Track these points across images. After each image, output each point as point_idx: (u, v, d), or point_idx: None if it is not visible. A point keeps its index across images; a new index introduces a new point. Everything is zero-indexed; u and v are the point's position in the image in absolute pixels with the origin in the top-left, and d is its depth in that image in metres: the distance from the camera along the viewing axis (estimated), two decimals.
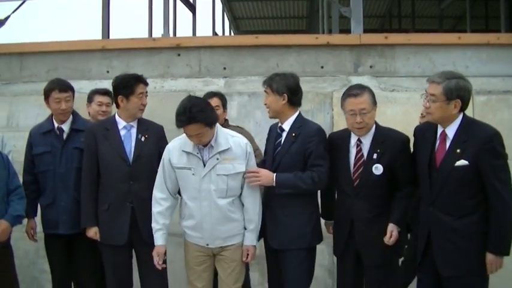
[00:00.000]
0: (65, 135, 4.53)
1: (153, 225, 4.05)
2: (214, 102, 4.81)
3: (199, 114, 3.76)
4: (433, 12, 15.80)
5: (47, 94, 4.53)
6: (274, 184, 3.97)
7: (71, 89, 4.57)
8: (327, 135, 4.23)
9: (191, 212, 4.01)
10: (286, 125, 4.13)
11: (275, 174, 3.99)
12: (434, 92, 3.71)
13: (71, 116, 4.59)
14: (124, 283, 4.34)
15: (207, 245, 4.04)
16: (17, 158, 4.88)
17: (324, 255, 5.43)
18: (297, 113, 4.17)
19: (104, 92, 5.27)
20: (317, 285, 4.04)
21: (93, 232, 4.27)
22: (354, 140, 4.04)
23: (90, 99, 5.29)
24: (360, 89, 3.99)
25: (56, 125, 4.55)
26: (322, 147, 4.03)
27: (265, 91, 4.20)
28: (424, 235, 3.78)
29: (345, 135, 4.11)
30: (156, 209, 4.06)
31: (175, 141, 4.10)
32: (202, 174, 3.93)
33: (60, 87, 4.51)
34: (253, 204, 4.05)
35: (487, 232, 3.59)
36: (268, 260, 4.30)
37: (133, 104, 4.28)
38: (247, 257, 4.06)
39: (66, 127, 4.55)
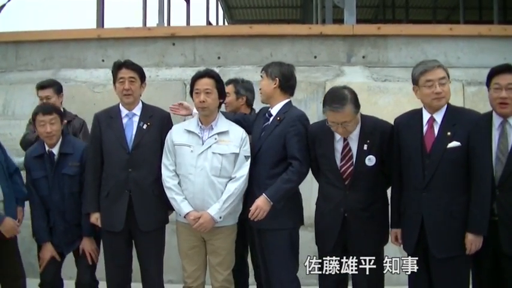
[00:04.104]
0: (55, 160, 4.40)
1: (176, 197, 4.11)
2: (228, 89, 4.82)
3: (216, 74, 4.25)
4: (427, 3, 15.87)
5: (33, 118, 4.44)
6: (271, 203, 4.00)
7: (56, 111, 4.43)
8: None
9: (184, 188, 4.13)
10: (274, 111, 4.21)
11: (263, 194, 4.01)
12: (444, 75, 3.80)
13: (61, 139, 4.44)
14: (123, 270, 4.38)
15: None
16: (13, 146, 4.93)
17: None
18: (286, 100, 4.24)
19: (42, 86, 5.24)
20: (303, 271, 4.08)
21: (94, 218, 4.30)
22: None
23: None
24: (341, 101, 3.81)
25: (47, 148, 4.41)
26: (302, 137, 4.08)
27: (261, 76, 4.31)
28: (416, 221, 3.81)
29: (326, 127, 4.00)
30: (169, 184, 4.15)
31: (179, 124, 4.39)
32: (199, 151, 4.11)
33: (43, 110, 4.40)
34: (234, 184, 4.12)
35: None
36: (251, 238, 4.40)
37: (116, 89, 4.37)
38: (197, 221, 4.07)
39: (56, 151, 4.41)
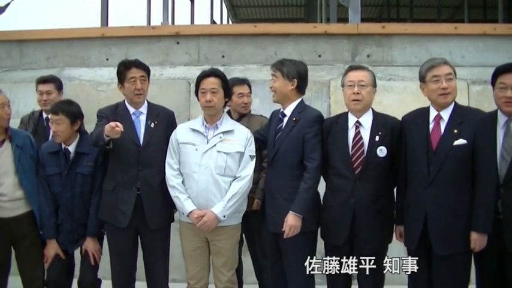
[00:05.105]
0: (71, 158, 4.38)
1: (179, 195, 4.10)
2: (245, 89, 4.87)
3: (222, 74, 4.24)
4: (431, 2, 15.81)
5: None
6: (301, 216, 3.96)
7: (64, 112, 4.32)
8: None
9: (188, 186, 4.12)
10: (288, 111, 4.16)
11: (291, 212, 3.94)
12: (450, 71, 3.84)
13: (78, 138, 4.43)
14: (127, 267, 4.37)
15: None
16: None
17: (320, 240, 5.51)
18: (299, 100, 4.19)
19: (44, 80, 5.23)
20: None
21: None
22: (352, 122, 4.02)
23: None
24: (363, 66, 4.14)
25: (62, 145, 4.39)
26: (321, 138, 4.07)
27: (273, 75, 4.21)
28: (420, 217, 3.81)
29: (341, 118, 4.10)
30: (172, 182, 4.13)
31: (184, 123, 4.39)
32: (204, 149, 4.10)
33: (51, 109, 4.45)
34: (239, 183, 4.11)
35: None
36: (270, 243, 4.31)
37: (126, 89, 4.32)
38: (200, 219, 4.06)
39: (72, 149, 4.39)
